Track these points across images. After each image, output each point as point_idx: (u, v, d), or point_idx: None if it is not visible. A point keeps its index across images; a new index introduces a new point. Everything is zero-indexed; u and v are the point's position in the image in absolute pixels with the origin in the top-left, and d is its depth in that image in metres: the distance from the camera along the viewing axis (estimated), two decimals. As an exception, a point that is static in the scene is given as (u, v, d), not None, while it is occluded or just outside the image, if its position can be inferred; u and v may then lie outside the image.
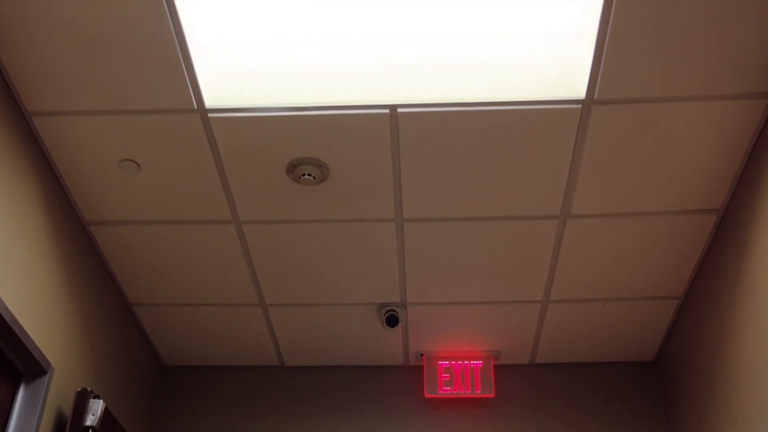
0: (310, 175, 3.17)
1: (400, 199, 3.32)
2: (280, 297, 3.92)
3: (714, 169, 3.15)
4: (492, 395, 4.22)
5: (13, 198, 2.95)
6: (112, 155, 3.16)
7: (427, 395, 4.25)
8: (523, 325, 4.08)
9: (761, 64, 2.75)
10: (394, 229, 3.48)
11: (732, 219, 3.28)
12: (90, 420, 3.25)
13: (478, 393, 4.23)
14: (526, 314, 4.00)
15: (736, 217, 3.24)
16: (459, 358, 4.29)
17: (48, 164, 3.22)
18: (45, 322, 3.18)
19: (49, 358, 3.20)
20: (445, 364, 4.29)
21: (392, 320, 3.93)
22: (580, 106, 2.90)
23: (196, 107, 2.95)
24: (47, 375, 3.16)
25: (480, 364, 4.28)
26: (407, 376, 4.42)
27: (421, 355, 4.33)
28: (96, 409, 3.28)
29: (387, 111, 2.94)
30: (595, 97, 2.86)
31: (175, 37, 2.71)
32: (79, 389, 3.29)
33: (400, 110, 2.93)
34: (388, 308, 3.95)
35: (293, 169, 3.17)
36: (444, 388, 4.25)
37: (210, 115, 2.97)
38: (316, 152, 3.10)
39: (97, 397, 3.32)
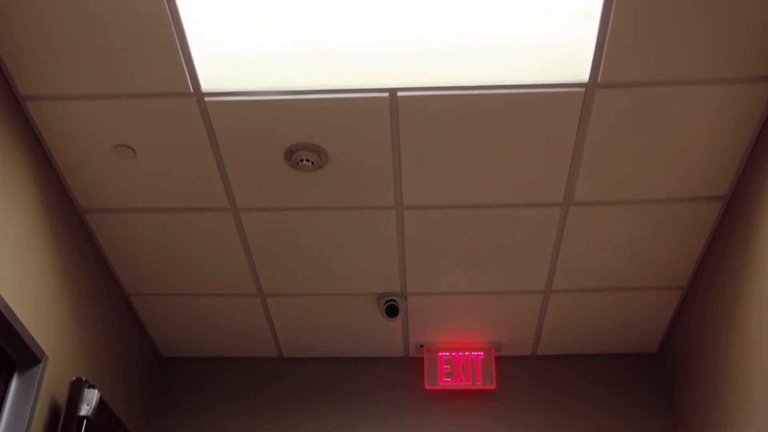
0: (308, 161, 3.12)
1: (400, 186, 3.27)
2: (278, 287, 3.87)
3: (719, 155, 3.10)
4: (493, 387, 4.18)
5: (6, 185, 2.90)
6: (107, 140, 3.12)
7: (427, 387, 4.21)
8: (524, 315, 4.04)
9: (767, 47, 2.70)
10: (394, 217, 3.43)
11: (738, 206, 3.23)
12: (85, 410, 3.20)
13: (479, 385, 4.18)
14: (527, 304, 3.95)
15: (742, 204, 3.18)
16: (460, 349, 4.25)
17: (42, 150, 3.17)
18: (39, 311, 3.13)
19: (43, 347, 3.16)
20: (446, 355, 4.25)
21: (392, 310, 3.88)
22: (583, 89, 2.85)
23: (192, 91, 2.90)
24: (41, 364, 3.11)
25: (481, 355, 4.24)
26: (407, 367, 4.38)
27: (422, 346, 4.29)
28: (91, 398, 3.23)
29: (386, 94, 2.89)
30: (599, 80, 2.81)
31: (170, 19, 2.66)
32: (74, 378, 3.24)
33: (399, 94, 2.88)
34: (387, 298, 3.90)
35: (291, 155, 3.13)
36: (444, 379, 4.21)
37: (206, 98, 2.93)
38: (314, 137, 3.05)
39: (92, 386, 3.27)
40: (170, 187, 3.32)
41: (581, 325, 4.11)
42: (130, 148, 3.13)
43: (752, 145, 3.06)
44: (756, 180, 3.05)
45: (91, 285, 3.61)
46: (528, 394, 4.26)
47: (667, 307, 3.97)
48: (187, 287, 3.90)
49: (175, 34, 2.71)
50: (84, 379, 3.26)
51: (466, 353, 4.25)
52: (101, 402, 3.34)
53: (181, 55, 2.78)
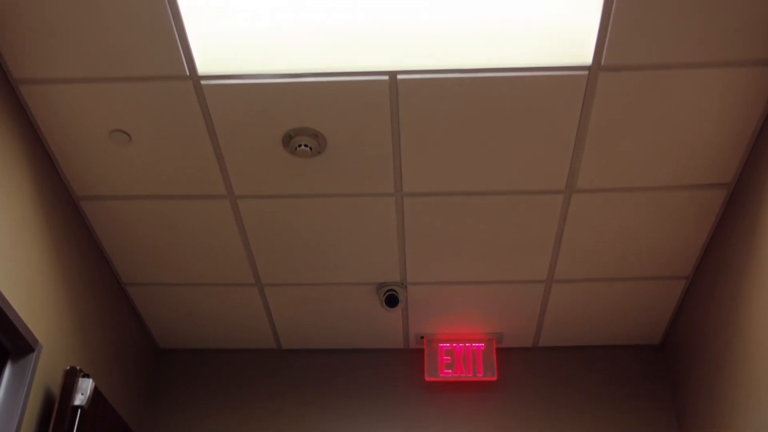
0: (306, 146, 3.07)
1: (399, 172, 3.22)
2: (276, 276, 3.82)
3: (724, 141, 3.05)
4: (494, 378, 4.13)
5: (-1, 168, 2.86)
6: (102, 126, 3.06)
7: (427, 378, 4.16)
8: (526, 306, 3.99)
9: (776, 28, 2.64)
10: (393, 204, 3.38)
11: (743, 194, 3.18)
12: (79, 399, 3.15)
13: (480, 376, 4.13)
14: (529, 294, 3.90)
15: (747, 192, 3.13)
16: (461, 340, 4.20)
17: (36, 135, 3.12)
18: (33, 299, 3.08)
19: (37, 336, 3.11)
20: (446, 346, 4.20)
21: (392, 300, 3.83)
22: (586, 72, 2.79)
23: (188, 74, 2.85)
24: (35, 353, 3.07)
25: (482, 346, 4.19)
26: (407, 358, 4.34)
27: (422, 337, 4.24)
28: (85, 388, 3.18)
29: (386, 77, 2.83)
30: (602, 63, 2.76)
31: (166, 0, 2.61)
32: (68, 368, 3.20)
33: (399, 77, 2.83)
34: (387, 288, 3.85)
35: (289, 140, 3.07)
36: (445, 371, 4.16)
37: (202, 82, 2.87)
38: (312, 122, 3.00)
39: (86, 376, 3.22)
40: (166, 173, 3.27)
41: (583, 316, 4.06)
42: (126, 133, 3.08)
43: (758, 131, 3.00)
44: (761, 167, 3.00)
45: (86, 273, 3.56)
46: (529, 385, 4.22)
47: (671, 298, 3.91)
48: (183, 277, 3.85)
49: (170, 15, 2.66)
50: (78, 368, 3.21)
51: (467, 344, 4.20)
52: (96, 392, 3.29)
53: (177, 37, 2.73)
